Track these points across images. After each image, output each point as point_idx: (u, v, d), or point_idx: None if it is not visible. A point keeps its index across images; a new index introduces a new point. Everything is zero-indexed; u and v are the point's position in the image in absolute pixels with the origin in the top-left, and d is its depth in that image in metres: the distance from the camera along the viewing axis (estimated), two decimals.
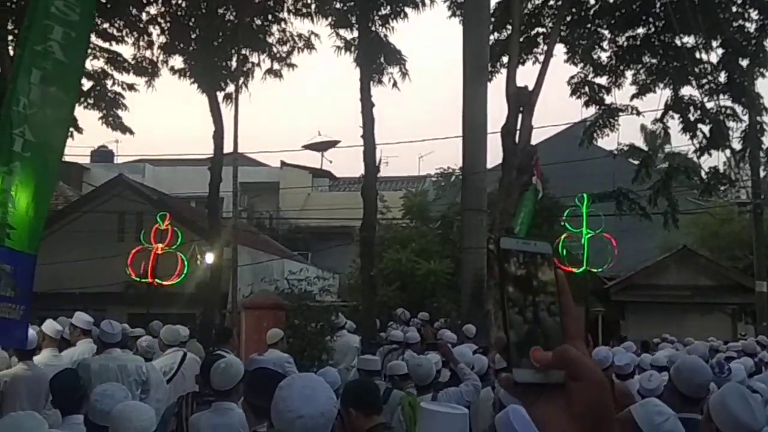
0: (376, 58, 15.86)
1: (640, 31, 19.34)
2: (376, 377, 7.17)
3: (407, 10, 16.10)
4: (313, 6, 16.67)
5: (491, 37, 16.62)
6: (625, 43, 19.49)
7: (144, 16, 16.88)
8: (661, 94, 19.87)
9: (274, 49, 17.52)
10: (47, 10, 6.46)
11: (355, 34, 15.82)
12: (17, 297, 5.86)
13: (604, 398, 0.99)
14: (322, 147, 34.03)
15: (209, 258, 17.43)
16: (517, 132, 15.06)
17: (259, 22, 16.98)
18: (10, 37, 14.73)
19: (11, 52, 13.64)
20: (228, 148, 16.64)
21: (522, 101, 15.12)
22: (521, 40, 17.07)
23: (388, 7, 15.92)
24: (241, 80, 17.00)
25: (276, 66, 17.69)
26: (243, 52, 16.93)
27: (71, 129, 13.35)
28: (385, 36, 16.01)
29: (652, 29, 19.19)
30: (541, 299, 1.01)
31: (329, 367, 7.82)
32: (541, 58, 17.05)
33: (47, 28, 6.44)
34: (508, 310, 0.99)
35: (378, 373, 7.56)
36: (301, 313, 12.21)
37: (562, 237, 15.42)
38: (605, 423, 0.98)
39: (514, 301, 1.00)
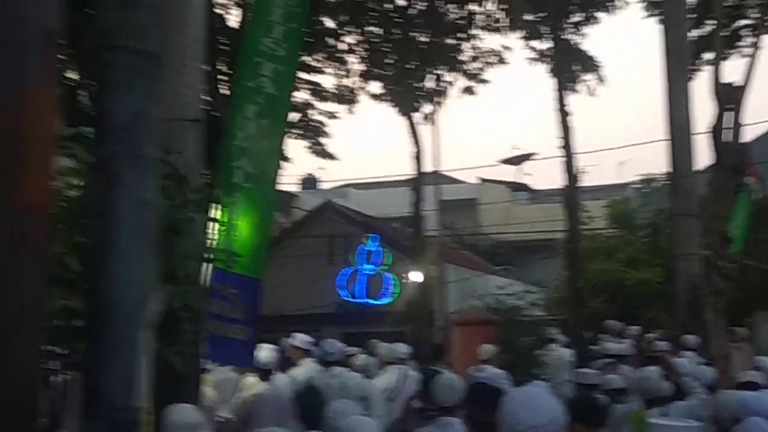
0: (570, 67, 15.62)
1: None
2: (594, 391, 7.02)
3: (599, 14, 15.76)
4: (503, 21, 16.68)
5: (691, 34, 15.89)
6: None
7: (342, 47, 17.54)
8: None
9: (467, 67, 17.65)
10: (257, 48, 6.88)
11: (548, 44, 15.66)
12: (245, 319, 6.26)
13: None
14: (518, 160, 33.79)
15: (415, 276, 17.75)
16: (726, 130, 14.25)
17: (451, 41, 17.18)
18: (219, 77, 15.74)
19: (222, 91, 14.58)
20: (427, 167, 16.95)
21: (729, 98, 14.32)
22: (723, 34, 16.19)
23: (580, 14, 15.65)
24: (437, 100, 17.26)
25: (470, 83, 17.81)
26: (437, 72, 17.19)
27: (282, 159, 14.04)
28: (578, 43, 15.74)
29: None
30: None
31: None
32: (747, 51, 16.09)
33: (258, 65, 6.85)
34: None
35: (596, 387, 7.39)
36: (511, 327, 12.16)
37: None
38: None
39: None
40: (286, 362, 8.73)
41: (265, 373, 7.38)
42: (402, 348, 8.98)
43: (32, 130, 0.82)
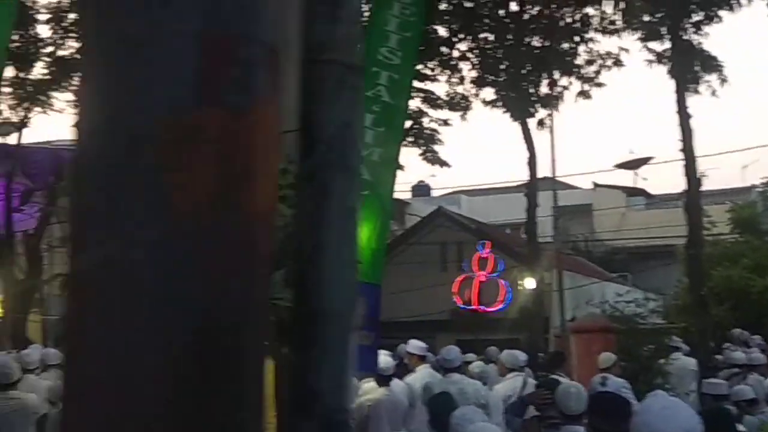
0: (691, 68, 15.14)
1: None
2: (724, 402, 6.79)
3: (721, 13, 15.22)
4: (620, 22, 16.35)
5: None
6: None
7: (455, 54, 17.56)
8: None
9: (582, 70, 17.38)
10: (374, 57, 6.99)
11: (667, 45, 15.23)
12: (368, 325, 6.36)
13: None
14: (634, 165, 32.90)
15: (529, 283, 17.58)
16: None
17: (566, 45, 16.96)
18: None
19: None
20: (541, 172, 16.76)
21: None
22: None
23: (701, 13, 15.15)
24: (552, 104, 17.08)
25: (585, 87, 17.53)
26: (552, 76, 17.01)
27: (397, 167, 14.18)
28: (699, 43, 15.25)
29: None
30: None
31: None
32: None
33: (375, 74, 6.96)
34: None
35: (725, 397, 7.14)
36: (631, 336, 11.88)
37: None
38: None
39: None
40: (402, 368, 8.80)
41: (383, 379, 7.46)
42: (521, 355, 8.92)
43: (261, 141, 0.89)
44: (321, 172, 1.00)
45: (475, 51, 17.49)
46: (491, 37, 17.23)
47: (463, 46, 17.48)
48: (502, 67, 17.15)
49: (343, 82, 1.01)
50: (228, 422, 0.87)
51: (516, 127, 16.72)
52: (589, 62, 17.32)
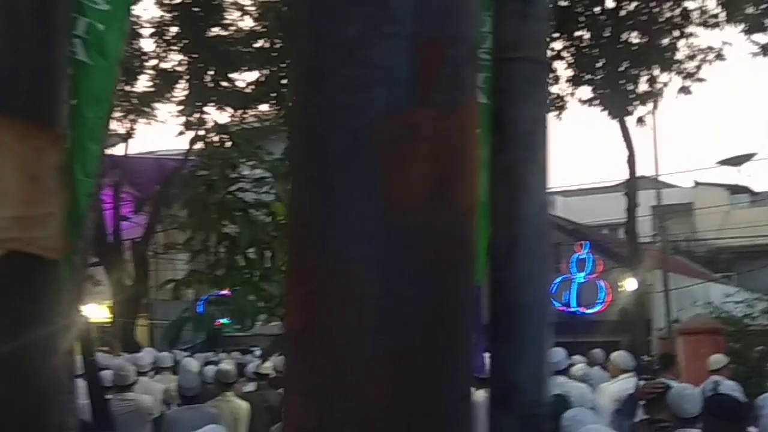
0: None
1: None
2: None
3: None
4: (722, 15, 15.88)
5: None
6: None
7: (549, 53, 17.37)
8: None
9: (682, 66, 16.95)
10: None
11: None
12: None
13: None
14: (737, 161, 31.89)
15: (630, 284, 17.23)
16: None
17: (665, 40, 16.57)
18: None
19: None
20: (640, 171, 16.41)
21: None
22: None
23: None
24: (651, 101, 16.71)
25: (685, 82, 17.09)
26: (651, 73, 16.64)
27: None
28: None
29: None
30: None
31: None
32: None
33: None
34: None
35: None
36: (740, 337, 11.53)
37: None
38: None
39: None
40: None
41: (482, 381, 7.40)
42: (631, 358, 8.77)
43: (468, 138, 0.92)
44: (515, 167, 1.03)
45: (570, 49, 17.25)
46: (587, 35, 16.97)
47: (557, 45, 17.26)
48: (599, 64, 16.87)
49: (534, 79, 1.03)
50: (448, 413, 0.90)
51: (612, 125, 16.44)
52: (690, 57, 16.88)
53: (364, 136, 0.91)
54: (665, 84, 17.03)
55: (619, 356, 8.63)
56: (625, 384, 7.89)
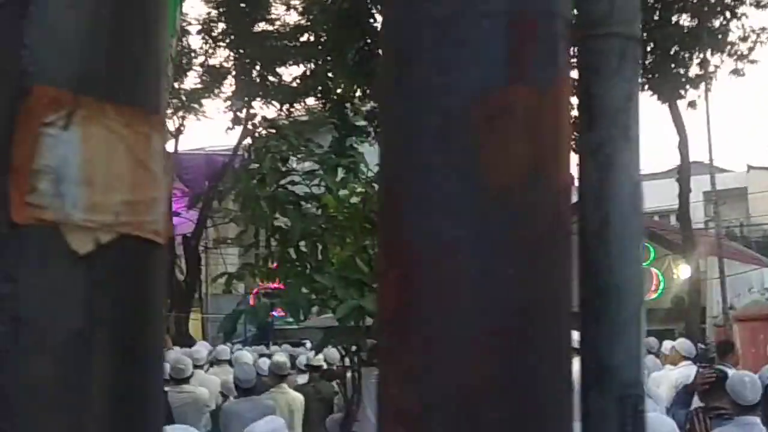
0: None
1: None
2: None
3: None
4: None
5: None
6: None
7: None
8: None
9: (735, 48, 16.63)
10: None
11: None
12: None
13: None
14: None
15: (683, 271, 17.00)
16: None
17: (716, 22, 16.27)
18: None
19: None
20: (692, 156, 16.15)
21: None
22: None
23: None
24: (703, 84, 16.43)
25: (737, 64, 16.77)
26: (702, 55, 16.35)
27: None
28: None
29: None
30: None
31: None
32: None
33: None
34: None
35: None
36: None
37: None
38: None
39: None
40: None
41: None
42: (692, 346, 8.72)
43: (563, 115, 0.91)
44: (605, 145, 1.01)
45: None
46: None
47: None
48: (648, 48, 16.61)
49: (625, 55, 1.01)
50: (550, 394, 0.89)
51: (663, 110, 16.19)
52: (742, 38, 16.55)
53: (458, 116, 0.90)
54: (717, 67, 16.73)
55: (682, 343, 8.58)
56: (687, 370, 7.82)
